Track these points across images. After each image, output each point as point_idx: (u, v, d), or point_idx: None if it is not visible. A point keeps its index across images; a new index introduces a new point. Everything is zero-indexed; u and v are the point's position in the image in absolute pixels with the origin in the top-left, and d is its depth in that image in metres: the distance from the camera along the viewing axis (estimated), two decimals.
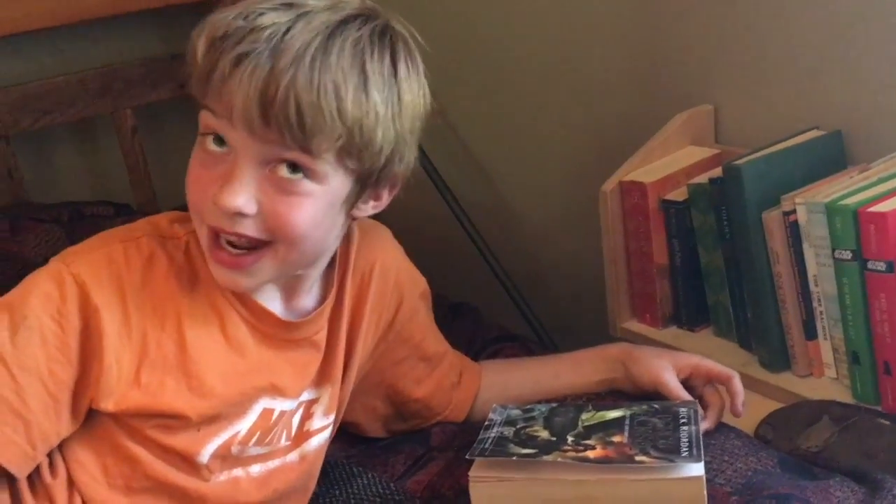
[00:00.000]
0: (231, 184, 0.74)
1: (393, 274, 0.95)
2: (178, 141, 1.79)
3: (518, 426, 0.93)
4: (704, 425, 0.93)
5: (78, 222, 1.46)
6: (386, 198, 0.85)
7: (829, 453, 0.95)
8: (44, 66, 1.60)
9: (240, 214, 0.75)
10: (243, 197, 0.74)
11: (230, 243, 0.77)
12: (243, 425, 0.84)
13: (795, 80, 1.18)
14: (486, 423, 0.95)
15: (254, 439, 0.85)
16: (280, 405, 0.86)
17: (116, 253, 0.80)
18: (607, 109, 1.43)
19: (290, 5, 0.75)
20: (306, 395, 0.89)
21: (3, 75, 1.57)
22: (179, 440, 0.82)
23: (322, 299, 0.89)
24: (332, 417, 0.92)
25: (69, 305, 0.77)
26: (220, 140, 0.75)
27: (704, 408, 0.96)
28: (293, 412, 0.88)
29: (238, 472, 0.86)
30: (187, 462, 0.83)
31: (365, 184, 0.80)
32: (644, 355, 1.02)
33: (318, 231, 0.79)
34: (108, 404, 0.78)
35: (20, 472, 0.78)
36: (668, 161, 1.24)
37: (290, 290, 0.86)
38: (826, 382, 1.08)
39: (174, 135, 1.79)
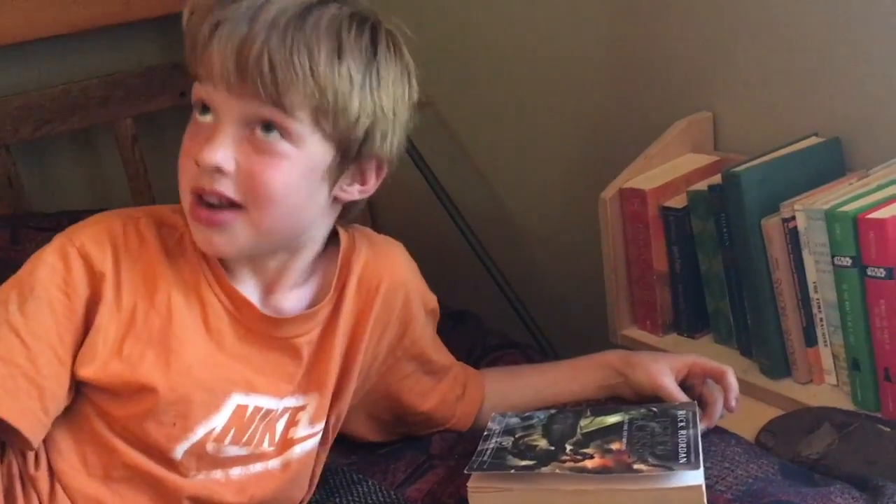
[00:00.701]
0: (211, 142, 0.78)
1: (402, 291, 0.95)
2: (178, 150, 1.79)
3: (517, 435, 0.93)
4: (703, 425, 0.93)
5: None
6: (373, 182, 0.86)
7: (830, 460, 0.95)
8: (44, 76, 1.60)
9: (218, 171, 0.78)
10: (221, 153, 0.78)
11: (209, 205, 0.80)
12: (218, 421, 0.84)
13: (794, 88, 1.18)
14: (485, 432, 0.95)
15: (229, 437, 0.85)
16: (254, 401, 0.86)
17: (116, 226, 0.84)
18: (607, 117, 1.43)
19: None
20: (292, 402, 0.89)
21: (3, 84, 1.57)
22: (154, 433, 0.82)
23: (311, 305, 0.89)
24: (318, 426, 0.91)
25: (74, 275, 0.80)
26: (206, 110, 0.80)
27: (703, 406, 0.97)
28: (277, 416, 0.88)
29: (217, 473, 0.86)
30: (163, 456, 0.83)
31: (346, 157, 0.82)
32: (642, 361, 1.02)
33: (294, 198, 0.81)
34: (87, 370, 0.80)
35: (36, 439, 0.79)
36: (668, 168, 1.24)
37: (268, 284, 0.87)
38: (826, 389, 1.08)
39: (174, 144, 1.76)
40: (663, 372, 0.99)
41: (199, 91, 0.80)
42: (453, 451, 1.01)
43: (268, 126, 0.78)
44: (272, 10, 0.77)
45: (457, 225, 1.59)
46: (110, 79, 1.63)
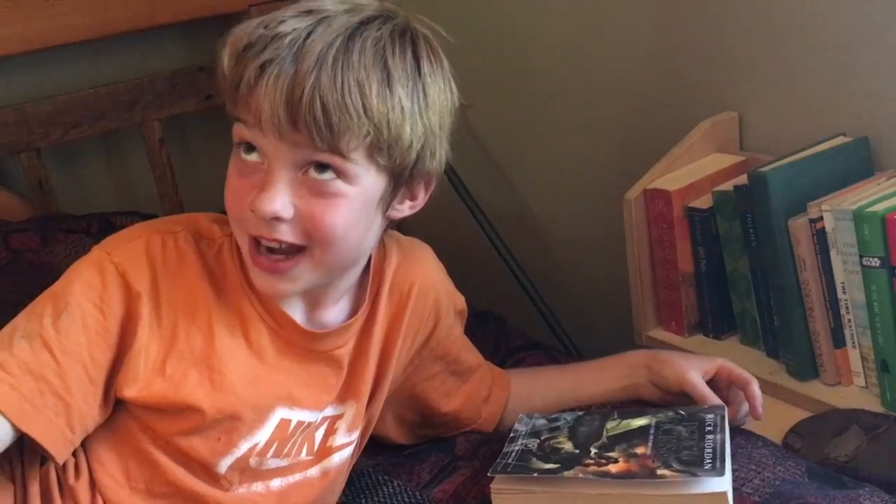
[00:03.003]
0: (267, 190, 0.75)
1: (432, 294, 0.95)
2: (205, 152, 1.81)
3: (542, 437, 0.93)
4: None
5: (106, 233, 1.45)
6: (422, 197, 0.85)
7: (859, 463, 0.94)
8: (73, 80, 1.62)
9: (277, 219, 0.76)
10: (279, 202, 0.75)
11: (269, 249, 0.78)
12: (262, 436, 0.85)
13: (821, 87, 1.17)
14: (512, 434, 0.95)
15: (272, 451, 0.86)
16: (297, 415, 0.86)
17: (154, 243, 0.82)
18: (631, 117, 1.43)
19: (309, 12, 0.76)
20: (330, 411, 0.89)
21: (33, 88, 1.59)
22: (199, 448, 0.82)
23: (350, 315, 0.89)
24: (355, 434, 0.92)
25: (111, 292, 0.79)
26: (251, 148, 0.77)
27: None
28: (316, 426, 0.88)
29: (258, 486, 0.87)
30: (206, 471, 0.83)
31: (398, 182, 0.81)
32: (669, 357, 1.02)
33: (355, 232, 0.79)
34: (131, 391, 0.79)
35: (60, 455, 0.79)
36: (693, 168, 1.23)
37: (314, 301, 0.87)
38: (855, 391, 1.07)
39: (201, 146, 1.81)
40: (691, 368, 0.99)
41: (245, 134, 0.77)
42: (478, 452, 1.01)
43: (322, 167, 0.76)
44: (317, 44, 0.73)
45: (481, 226, 1.59)
46: (138, 83, 1.65)
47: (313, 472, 0.89)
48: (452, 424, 1.03)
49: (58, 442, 0.78)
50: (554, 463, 0.87)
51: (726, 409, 0.94)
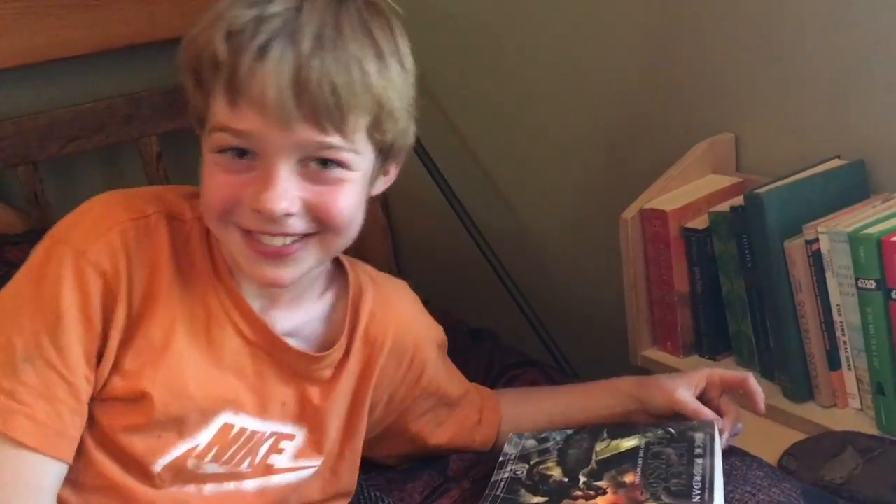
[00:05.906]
0: (271, 188, 0.73)
1: (412, 337, 0.94)
2: (201, 167, 1.81)
3: (532, 462, 0.92)
4: (724, 437, 0.92)
5: None
6: (393, 171, 0.84)
7: (854, 485, 0.94)
8: (71, 94, 1.62)
9: (286, 215, 0.74)
10: (287, 200, 0.73)
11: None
12: (202, 438, 0.83)
13: (817, 109, 1.18)
14: (501, 457, 0.95)
15: (210, 455, 0.83)
16: (241, 422, 0.84)
17: (128, 233, 0.79)
18: (629, 137, 1.43)
19: None
20: (279, 427, 0.87)
21: (31, 102, 1.59)
22: (138, 444, 0.80)
23: (322, 335, 0.88)
24: (304, 463, 0.89)
25: (94, 298, 0.77)
26: (242, 153, 0.74)
27: (721, 416, 0.95)
28: (263, 440, 0.86)
29: (190, 488, 0.84)
30: (140, 468, 0.81)
31: (385, 157, 0.81)
32: (656, 381, 1.01)
33: (359, 214, 0.79)
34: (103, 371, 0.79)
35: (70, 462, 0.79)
36: (690, 189, 1.23)
37: (270, 298, 0.85)
38: (850, 413, 1.07)
39: (197, 161, 1.80)
40: (678, 387, 0.97)
41: (237, 121, 0.72)
42: (469, 473, 1.01)
43: (324, 162, 0.74)
44: (309, 22, 0.71)
45: (476, 244, 1.59)
46: (135, 97, 1.65)
47: (249, 485, 0.86)
48: (447, 452, 1.03)
49: (72, 453, 0.78)
50: (542, 495, 0.86)
51: (716, 426, 0.92)
